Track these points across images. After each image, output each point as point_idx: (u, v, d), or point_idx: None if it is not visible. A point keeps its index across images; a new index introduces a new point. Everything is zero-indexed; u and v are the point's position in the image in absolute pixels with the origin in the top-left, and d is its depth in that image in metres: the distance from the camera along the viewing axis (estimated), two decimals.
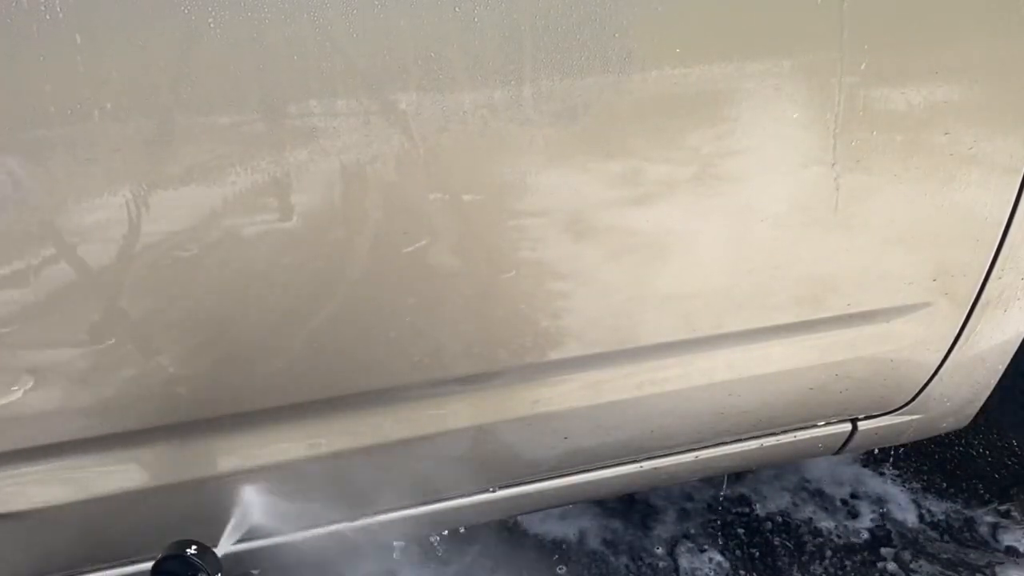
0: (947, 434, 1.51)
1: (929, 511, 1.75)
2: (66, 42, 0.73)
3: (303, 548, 1.14)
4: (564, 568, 1.61)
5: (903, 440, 1.46)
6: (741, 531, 1.70)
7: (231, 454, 1.02)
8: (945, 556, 1.63)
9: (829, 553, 1.64)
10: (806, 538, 1.68)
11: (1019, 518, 1.72)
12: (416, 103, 0.83)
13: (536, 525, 1.69)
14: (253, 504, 1.03)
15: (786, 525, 1.71)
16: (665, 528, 1.70)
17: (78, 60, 0.74)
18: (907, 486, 1.81)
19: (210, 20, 0.76)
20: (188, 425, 0.98)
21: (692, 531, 1.69)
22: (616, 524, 1.70)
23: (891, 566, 1.61)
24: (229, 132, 0.80)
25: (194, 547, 0.94)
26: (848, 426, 1.36)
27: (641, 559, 1.63)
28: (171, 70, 0.76)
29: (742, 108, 0.93)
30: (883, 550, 1.65)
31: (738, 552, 1.65)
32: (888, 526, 1.71)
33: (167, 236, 0.83)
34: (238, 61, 0.77)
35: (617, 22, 0.85)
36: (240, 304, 0.90)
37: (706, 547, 1.65)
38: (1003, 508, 1.75)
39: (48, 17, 0.72)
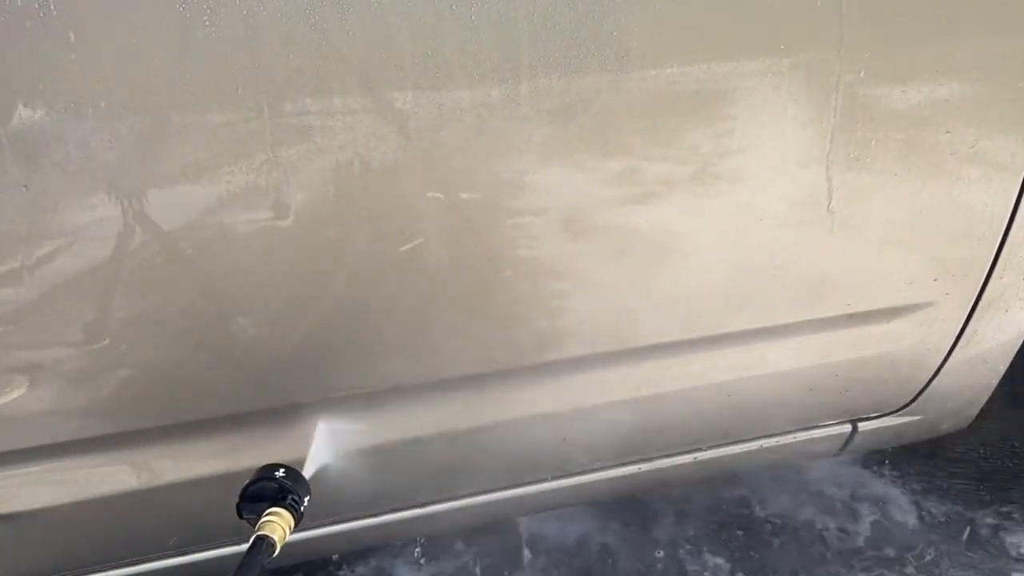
0: (948, 435, 1.50)
1: (930, 513, 1.74)
2: (60, 40, 0.73)
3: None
4: (563, 570, 1.60)
5: (904, 441, 1.45)
6: (740, 533, 1.69)
7: (227, 455, 1.01)
8: (946, 558, 1.63)
9: (829, 555, 1.64)
10: (806, 540, 1.67)
11: (1020, 520, 1.72)
12: (413, 101, 0.83)
13: (535, 527, 1.68)
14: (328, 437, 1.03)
15: (786, 527, 1.71)
16: (664, 530, 1.69)
17: (72, 58, 0.73)
18: (908, 488, 1.80)
19: (205, 18, 0.75)
20: (186, 425, 0.97)
21: (692, 533, 1.68)
22: (615, 526, 1.69)
23: (891, 568, 1.61)
24: (224, 130, 0.79)
25: (283, 470, 0.94)
26: (848, 427, 1.36)
27: (641, 561, 1.62)
28: (166, 68, 0.76)
29: (741, 107, 0.92)
30: (884, 552, 1.64)
31: (738, 554, 1.64)
32: (889, 528, 1.70)
33: (162, 234, 0.82)
34: (233, 59, 0.77)
35: (615, 20, 0.85)
36: (235, 303, 0.89)
37: (705, 549, 1.65)
38: (1004, 510, 1.74)
39: (42, 15, 0.72)
